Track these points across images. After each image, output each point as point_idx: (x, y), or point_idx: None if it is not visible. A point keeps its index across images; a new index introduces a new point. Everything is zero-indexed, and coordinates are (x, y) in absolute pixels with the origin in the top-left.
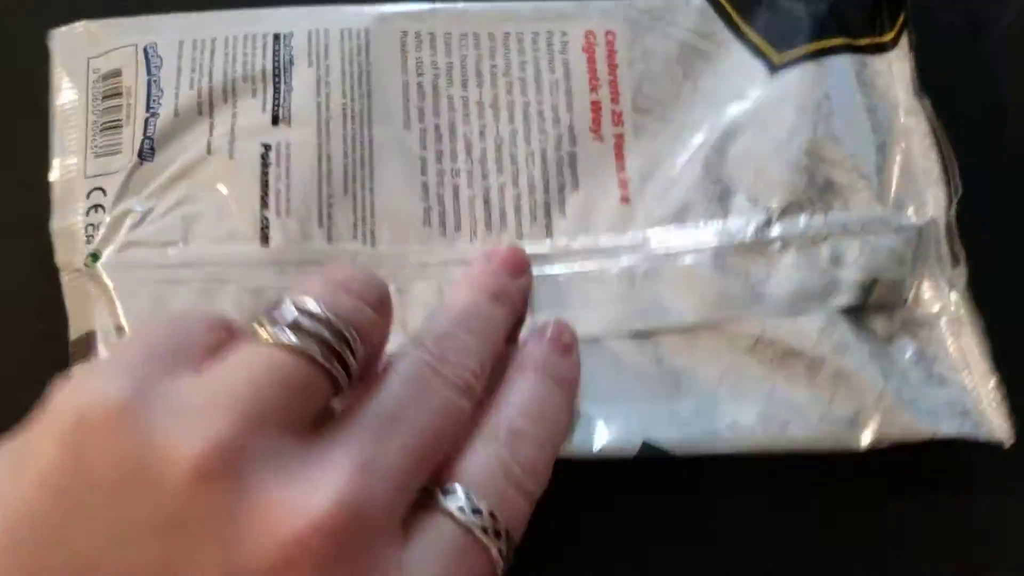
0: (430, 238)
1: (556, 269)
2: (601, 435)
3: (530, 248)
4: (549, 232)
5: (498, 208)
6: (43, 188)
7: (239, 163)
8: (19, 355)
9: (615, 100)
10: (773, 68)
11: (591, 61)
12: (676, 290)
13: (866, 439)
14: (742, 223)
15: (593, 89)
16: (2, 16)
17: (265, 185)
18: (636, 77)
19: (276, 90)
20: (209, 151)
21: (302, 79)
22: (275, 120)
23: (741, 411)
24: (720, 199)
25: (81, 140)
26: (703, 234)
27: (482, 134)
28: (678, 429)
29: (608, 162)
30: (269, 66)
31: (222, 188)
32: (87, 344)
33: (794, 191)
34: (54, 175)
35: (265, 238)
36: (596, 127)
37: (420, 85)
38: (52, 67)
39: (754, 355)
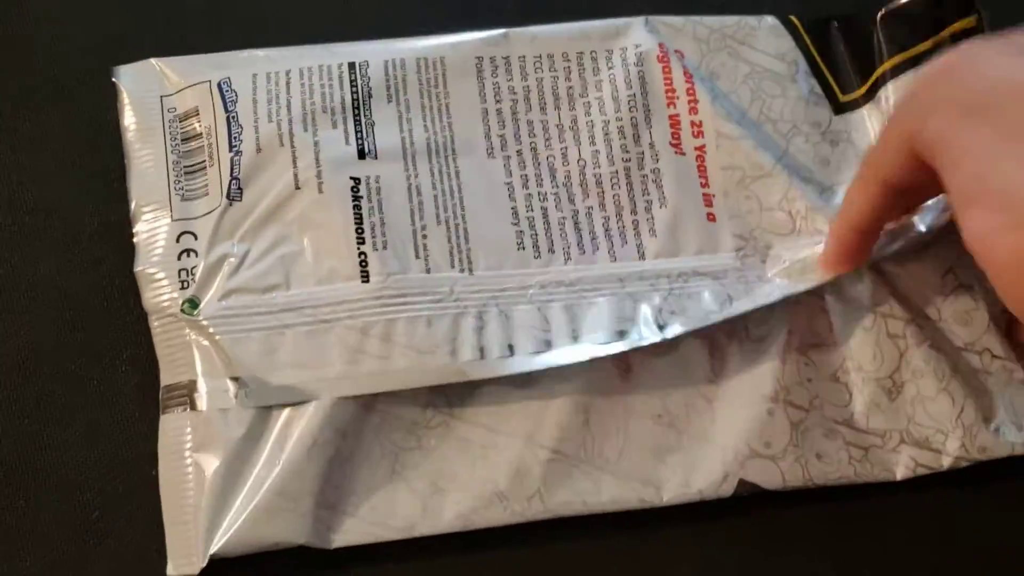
0: (526, 261)
1: (648, 289)
2: (698, 475)
3: (623, 269)
4: (641, 253)
5: (588, 230)
6: (107, 227)
7: (330, 197)
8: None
9: (693, 111)
10: (838, 108)
11: (666, 72)
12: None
13: (946, 460)
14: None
15: (671, 103)
16: (54, 48)
17: (359, 220)
18: (708, 91)
19: (357, 122)
20: (297, 185)
21: (383, 115)
22: (361, 154)
23: (827, 441)
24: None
25: (163, 183)
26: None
27: (564, 156)
28: (774, 464)
29: (692, 177)
30: (348, 97)
31: (317, 225)
32: (188, 392)
33: None
34: (137, 218)
35: (365, 274)
36: (677, 140)
37: (499, 112)
38: (120, 104)
39: (838, 383)
